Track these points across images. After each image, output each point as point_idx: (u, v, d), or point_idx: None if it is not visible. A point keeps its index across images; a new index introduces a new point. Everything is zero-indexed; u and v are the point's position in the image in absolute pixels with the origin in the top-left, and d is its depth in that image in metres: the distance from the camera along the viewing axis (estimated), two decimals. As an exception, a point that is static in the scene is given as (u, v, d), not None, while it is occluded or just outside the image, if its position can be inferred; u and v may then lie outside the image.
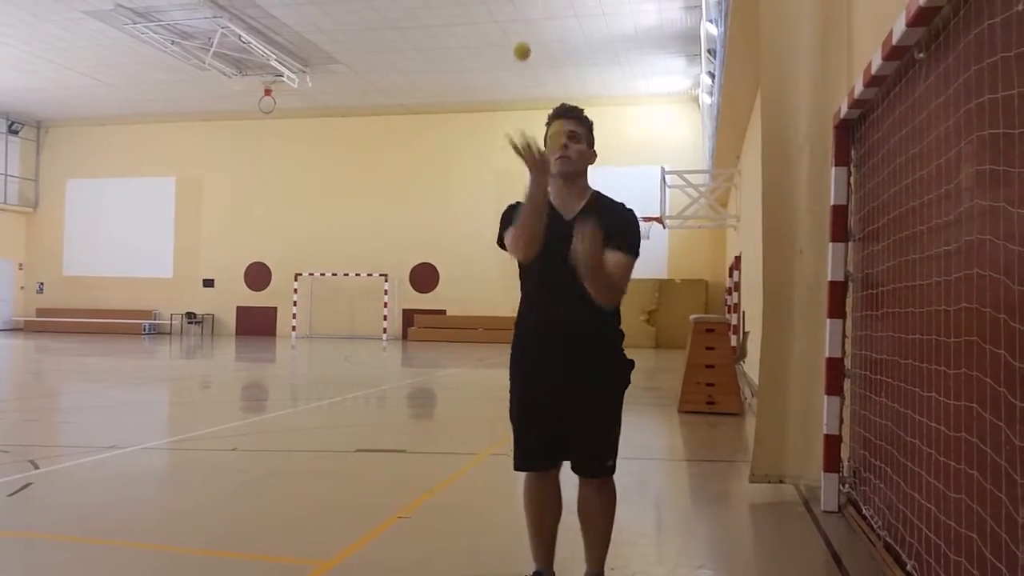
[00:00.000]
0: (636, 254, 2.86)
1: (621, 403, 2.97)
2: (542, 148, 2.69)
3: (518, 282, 3.00)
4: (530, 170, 2.64)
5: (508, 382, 3.03)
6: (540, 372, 2.91)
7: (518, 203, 3.04)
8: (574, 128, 2.91)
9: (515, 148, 2.58)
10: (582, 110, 2.98)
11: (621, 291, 2.80)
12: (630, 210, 2.96)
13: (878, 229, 3.84)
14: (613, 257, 2.76)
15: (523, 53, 2.81)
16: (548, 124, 2.96)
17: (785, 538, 4.24)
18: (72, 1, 17.19)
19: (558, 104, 3.04)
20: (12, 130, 28.22)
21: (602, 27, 18.24)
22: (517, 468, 2.99)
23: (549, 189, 2.94)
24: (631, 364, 2.96)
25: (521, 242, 2.77)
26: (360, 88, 23.50)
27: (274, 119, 24.81)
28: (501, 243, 2.94)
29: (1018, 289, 2.12)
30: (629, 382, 2.97)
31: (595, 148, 3.01)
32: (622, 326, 3.00)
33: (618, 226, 2.83)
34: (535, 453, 2.96)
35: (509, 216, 2.96)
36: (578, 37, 18.82)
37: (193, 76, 21.98)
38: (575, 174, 2.91)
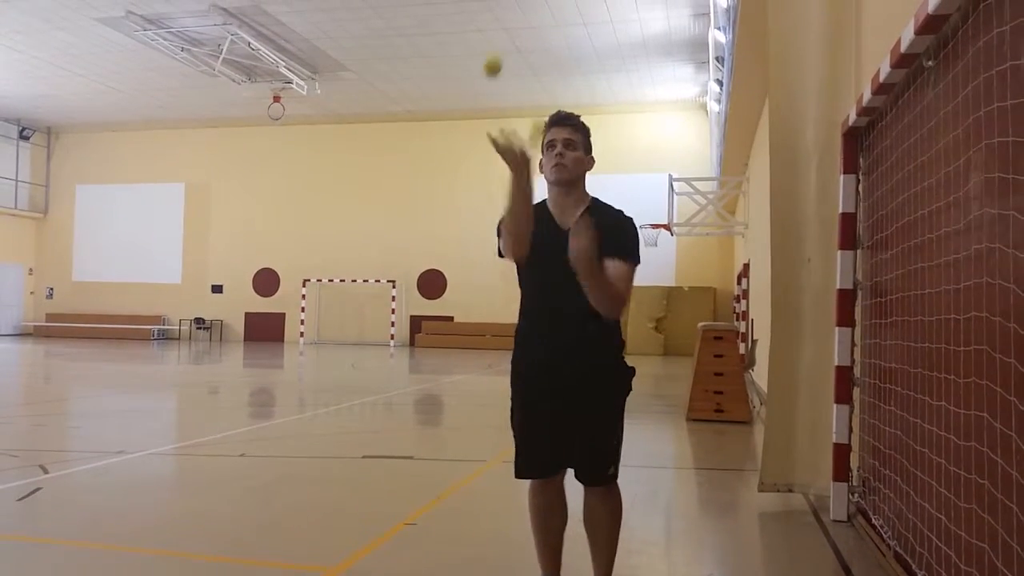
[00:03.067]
0: (636, 260, 2.82)
1: (622, 410, 2.95)
2: (523, 144, 2.59)
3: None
4: (510, 168, 2.58)
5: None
6: (540, 380, 2.90)
7: None
8: (569, 136, 2.87)
9: (495, 145, 2.52)
10: (578, 117, 2.94)
11: (623, 300, 2.74)
12: (628, 217, 2.93)
13: (887, 237, 3.83)
14: (612, 265, 2.73)
15: (493, 68, 2.72)
16: (544, 132, 2.96)
17: (794, 547, 4.22)
18: (83, 8, 17.32)
19: (560, 111, 3.02)
20: (23, 136, 28.43)
21: (610, 34, 18.27)
22: (518, 475, 2.98)
23: (547, 197, 2.95)
24: (631, 371, 2.95)
25: (509, 242, 2.77)
26: (368, 95, 23.59)
27: (283, 126, 24.91)
28: (500, 254, 2.96)
29: (1028, 298, 2.11)
30: (630, 389, 2.96)
31: (593, 155, 2.97)
32: (627, 333, 3.00)
33: (616, 232, 2.80)
34: (536, 461, 2.95)
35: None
36: (586, 44, 18.85)
37: (202, 83, 22.11)
38: (571, 181, 2.88)
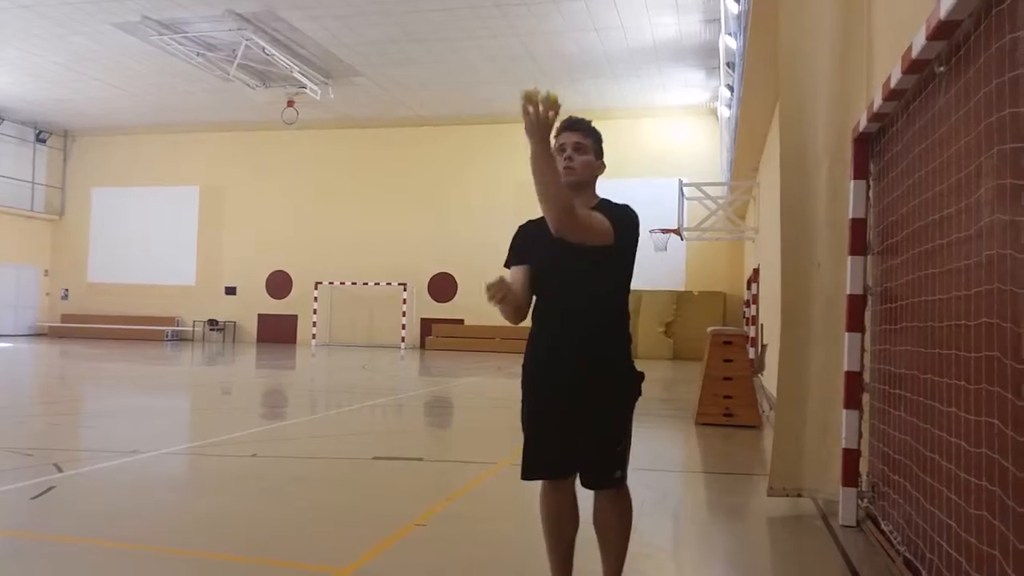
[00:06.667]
0: (620, 228, 2.82)
1: (630, 415, 2.97)
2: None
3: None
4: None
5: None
6: (550, 384, 2.92)
7: (528, 222, 3.07)
8: (579, 140, 2.91)
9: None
10: (589, 122, 2.97)
11: (570, 216, 2.64)
12: (630, 207, 2.95)
13: (897, 242, 3.82)
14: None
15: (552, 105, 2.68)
16: (555, 137, 2.97)
17: (803, 552, 4.21)
18: (100, 13, 17.50)
19: (571, 117, 3.04)
20: (40, 139, 28.71)
21: (621, 40, 18.29)
22: (524, 476, 3.00)
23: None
24: (640, 376, 2.97)
25: (505, 314, 2.97)
26: (381, 100, 23.70)
27: (296, 130, 25.05)
28: (507, 265, 2.99)
29: (1038, 303, 2.11)
30: (640, 393, 2.97)
31: (604, 160, 3.01)
32: (637, 337, 3.01)
33: (612, 211, 2.85)
34: (543, 460, 2.97)
35: (517, 240, 3.04)
36: (597, 50, 18.88)
37: (217, 87, 22.28)
38: (580, 184, 2.91)
